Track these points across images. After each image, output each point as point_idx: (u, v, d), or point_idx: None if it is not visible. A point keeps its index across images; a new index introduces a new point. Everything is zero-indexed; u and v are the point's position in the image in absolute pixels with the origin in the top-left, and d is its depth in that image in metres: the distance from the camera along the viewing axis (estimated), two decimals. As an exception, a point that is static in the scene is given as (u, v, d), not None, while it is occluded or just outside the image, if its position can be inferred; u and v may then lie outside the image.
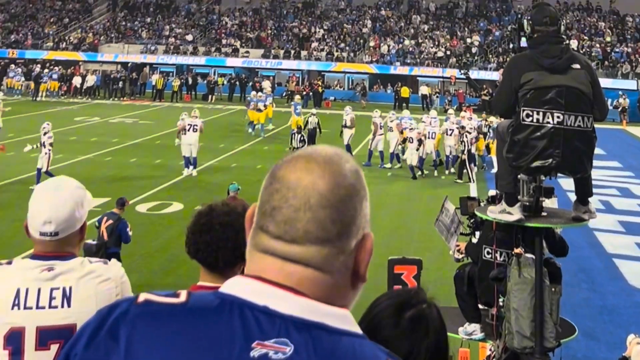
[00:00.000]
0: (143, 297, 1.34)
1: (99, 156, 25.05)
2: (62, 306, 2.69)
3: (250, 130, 31.24)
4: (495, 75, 38.15)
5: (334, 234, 1.35)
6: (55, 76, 44.86)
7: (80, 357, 1.33)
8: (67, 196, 2.75)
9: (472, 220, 7.67)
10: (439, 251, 12.07)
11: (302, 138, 22.99)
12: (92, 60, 51.34)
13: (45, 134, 20.08)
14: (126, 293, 2.81)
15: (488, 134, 25.38)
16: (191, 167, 22.33)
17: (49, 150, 19.79)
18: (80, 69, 48.77)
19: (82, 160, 24.06)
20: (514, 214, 6.26)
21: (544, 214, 6.44)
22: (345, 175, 1.38)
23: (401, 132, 24.16)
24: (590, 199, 6.48)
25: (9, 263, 2.77)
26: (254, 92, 34.89)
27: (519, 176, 6.30)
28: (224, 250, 2.85)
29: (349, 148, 25.31)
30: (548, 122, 5.90)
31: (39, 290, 2.69)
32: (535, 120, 5.92)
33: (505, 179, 6.40)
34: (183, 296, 1.34)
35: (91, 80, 45.34)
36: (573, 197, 6.55)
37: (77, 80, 45.45)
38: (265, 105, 32.03)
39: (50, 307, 2.69)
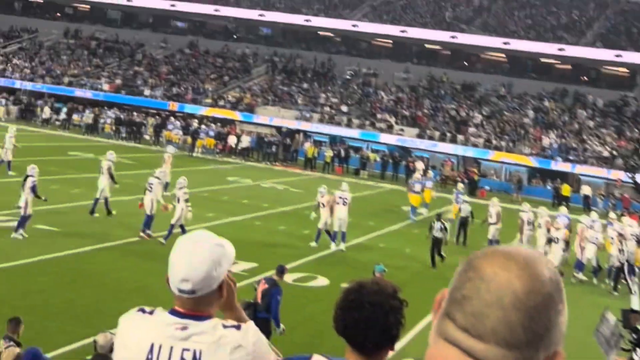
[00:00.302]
0: (317, 358, 1.38)
1: (248, 220, 26.14)
2: None
3: (410, 214, 31.37)
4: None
5: (523, 340, 1.32)
6: (212, 133, 47.08)
7: None
8: (205, 254, 2.75)
9: (634, 335, 7.49)
10: (597, 365, 11.96)
11: (442, 227, 22.84)
12: (247, 121, 53.53)
13: (180, 188, 21.08)
14: (259, 358, 2.74)
15: None
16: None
17: (186, 206, 20.76)
18: (236, 128, 50.82)
19: (232, 222, 25.08)
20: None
21: None
22: (544, 282, 1.37)
23: (548, 230, 23.97)
24: None
25: (151, 313, 2.83)
26: (416, 175, 35.10)
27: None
28: (372, 330, 2.85)
29: (491, 243, 25.36)
30: None
31: (172, 348, 2.72)
32: None
33: None
34: None
35: (246, 141, 47.17)
36: None
37: (232, 140, 47.37)
38: (422, 188, 32.29)
39: None
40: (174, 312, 2.79)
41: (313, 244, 22.91)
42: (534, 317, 1.34)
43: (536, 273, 1.37)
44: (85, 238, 20.12)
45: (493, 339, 1.33)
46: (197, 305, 2.76)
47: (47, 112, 51.87)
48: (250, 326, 2.82)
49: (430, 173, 37.50)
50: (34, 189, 19.72)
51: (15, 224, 19.55)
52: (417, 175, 34.24)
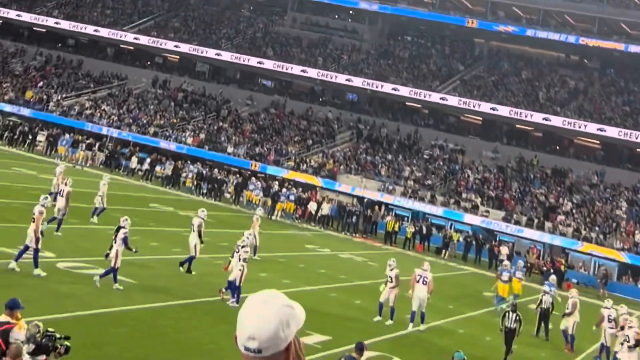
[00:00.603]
0: None
1: (324, 290, 26.10)
2: None
3: (495, 302, 30.41)
4: None
5: None
6: (292, 197, 47.33)
7: None
8: (273, 313, 2.79)
9: None
10: None
11: (517, 318, 21.60)
12: (329, 188, 53.72)
13: (243, 247, 21.21)
14: None
15: None
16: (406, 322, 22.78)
17: (244, 265, 20.77)
18: (317, 194, 51.05)
19: (307, 291, 25.03)
20: None
21: None
22: None
23: (622, 328, 23.20)
24: None
25: None
26: (505, 262, 33.85)
27: None
28: None
29: (571, 338, 24.83)
30: None
31: None
32: None
33: None
34: None
35: (326, 208, 47.24)
36: None
37: (312, 206, 47.60)
38: (510, 277, 31.31)
39: None
40: None
41: (389, 322, 22.68)
42: None
43: None
44: (162, 293, 20.44)
45: None
46: None
47: (134, 162, 53.01)
48: None
49: (521, 262, 36.51)
50: (125, 241, 20.19)
51: (98, 271, 19.99)
52: (507, 262, 33.40)
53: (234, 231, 36.29)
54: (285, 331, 2.76)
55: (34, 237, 19.51)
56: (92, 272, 20.22)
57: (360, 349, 12.92)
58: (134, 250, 20.81)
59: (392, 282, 22.67)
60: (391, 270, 22.91)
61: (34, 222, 19.65)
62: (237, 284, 20.63)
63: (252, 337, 2.72)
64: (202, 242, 24.66)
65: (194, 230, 24.55)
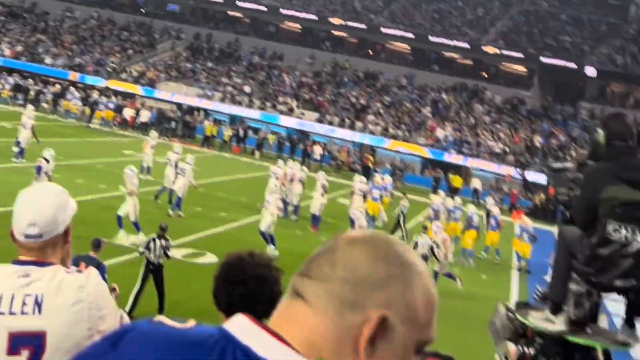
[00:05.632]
0: (160, 318, 1.39)
1: (144, 194, 25.86)
2: (33, 313, 2.74)
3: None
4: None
5: None
6: (111, 105, 46.49)
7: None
8: (51, 198, 2.83)
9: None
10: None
11: None
12: (148, 96, 52.90)
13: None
14: (101, 301, 2.82)
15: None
16: None
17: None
18: (136, 102, 50.27)
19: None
20: (556, 324, 5.90)
21: (588, 331, 5.91)
22: None
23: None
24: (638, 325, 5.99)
25: None
26: (378, 177, 31.83)
27: (570, 286, 5.88)
28: (260, 304, 2.83)
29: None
30: (636, 240, 5.55)
31: (13, 296, 2.75)
32: (623, 238, 5.55)
33: (558, 288, 6.02)
34: (190, 324, 1.39)
35: (145, 115, 46.75)
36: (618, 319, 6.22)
37: (127, 113, 46.91)
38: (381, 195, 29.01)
39: (22, 313, 2.74)
40: (16, 262, 2.86)
41: None
42: None
43: None
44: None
45: None
46: (42, 251, 2.84)
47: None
48: (92, 270, 2.91)
49: (388, 178, 34.35)
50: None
51: None
52: (378, 178, 31.90)
53: (52, 140, 35.20)
54: (63, 215, 2.86)
55: None
56: None
57: (96, 245, 11.55)
58: None
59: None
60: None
61: None
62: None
63: (33, 223, 2.79)
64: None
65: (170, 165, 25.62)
